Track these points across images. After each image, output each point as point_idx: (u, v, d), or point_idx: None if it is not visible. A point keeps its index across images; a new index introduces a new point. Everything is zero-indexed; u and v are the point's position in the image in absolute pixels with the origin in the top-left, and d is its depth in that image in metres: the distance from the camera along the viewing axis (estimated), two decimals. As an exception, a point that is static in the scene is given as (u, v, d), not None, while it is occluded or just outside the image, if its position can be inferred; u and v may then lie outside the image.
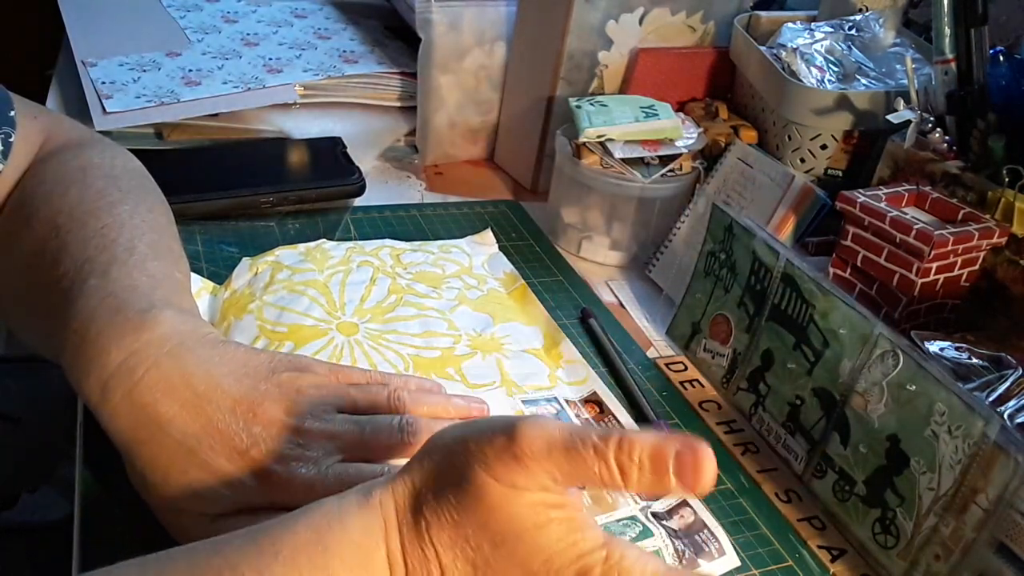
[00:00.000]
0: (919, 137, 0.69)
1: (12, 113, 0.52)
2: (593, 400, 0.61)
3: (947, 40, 0.68)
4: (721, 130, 0.83)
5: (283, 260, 0.66)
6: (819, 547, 0.54)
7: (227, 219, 0.77)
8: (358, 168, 0.83)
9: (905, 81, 0.75)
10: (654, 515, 0.52)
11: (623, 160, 0.76)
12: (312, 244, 0.69)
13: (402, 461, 0.42)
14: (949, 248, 0.61)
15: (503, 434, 0.34)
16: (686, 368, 0.68)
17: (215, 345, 0.45)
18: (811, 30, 0.83)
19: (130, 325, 0.43)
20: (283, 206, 0.79)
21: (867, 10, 0.85)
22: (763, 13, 0.88)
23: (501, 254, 0.75)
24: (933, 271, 0.62)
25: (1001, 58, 0.67)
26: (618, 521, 0.51)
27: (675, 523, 0.52)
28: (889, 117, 0.71)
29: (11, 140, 0.52)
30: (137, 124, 0.83)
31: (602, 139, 0.77)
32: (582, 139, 0.76)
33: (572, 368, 0.63)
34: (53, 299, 0.46)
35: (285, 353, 0.49)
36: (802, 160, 0.79)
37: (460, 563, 0.35)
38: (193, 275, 0.61)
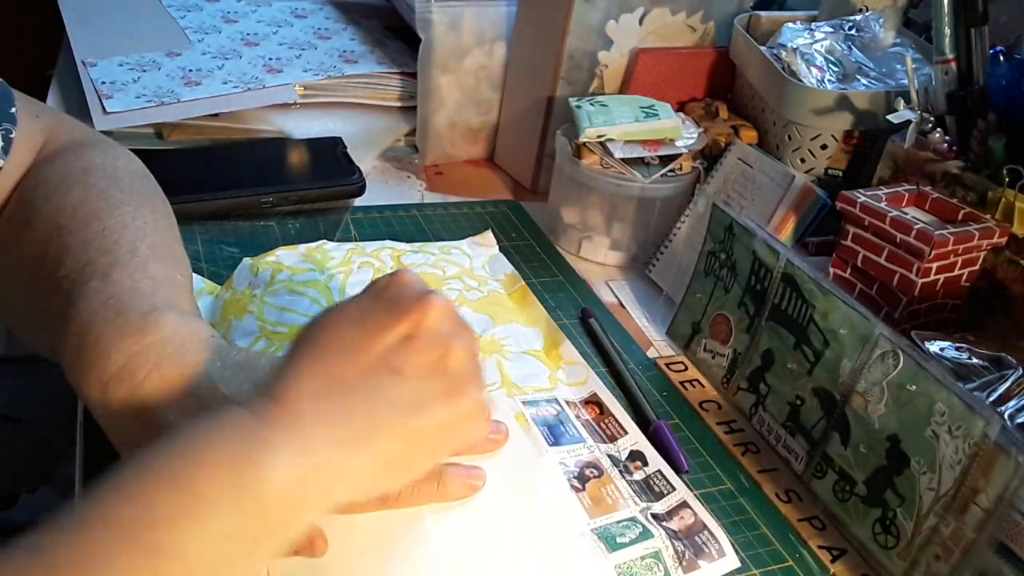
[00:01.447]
0: (919, 137, 0.69)
1: (13, 110, 0.52)
2: (593, 401, 0.61)
3: (947, 40, 0.68)
4: (721, 130, 0.83)
5: (284, 261, 0.66)
6: (819, 547, 0.54)
7: (227, 219, 0.77)
8: (358, 168, 0.83)
9: (905, 81, 0.75)
10: (654, 516, 0.52)
11: (623, 160, 0.76)
12: (313, 245, 0.69)
13: None
14: (949, 248, 0.61)
15: None
16: (686, 368, 0.68)
17: (216, 349, 0.45)
18: (811, 30, 0.83)
19: (131, 328, 0.43)
20: (283, 206, 0.79)
21: (867, 10, 0.85)
22: (763, 13, 0.88)
23: (502, 255, 0.75)
24: (933, 271, 0.62)
25: (1001, 58, 0.67)
26: (618, 522, 0.51)
27: (675, 524, 0.52)
28: (889, 117, 0.71)
29: (12, 136, 0.51)
30: (137, 124, 0.83)
31: (602, 139, 0.77)
32: (582, 139, 0.76)
33: (572, 369, 0.63)
34: (54, 300, 0.46)
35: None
36: (802, 160, 0.79)
37: None
38: (194, 276, 0.61)
